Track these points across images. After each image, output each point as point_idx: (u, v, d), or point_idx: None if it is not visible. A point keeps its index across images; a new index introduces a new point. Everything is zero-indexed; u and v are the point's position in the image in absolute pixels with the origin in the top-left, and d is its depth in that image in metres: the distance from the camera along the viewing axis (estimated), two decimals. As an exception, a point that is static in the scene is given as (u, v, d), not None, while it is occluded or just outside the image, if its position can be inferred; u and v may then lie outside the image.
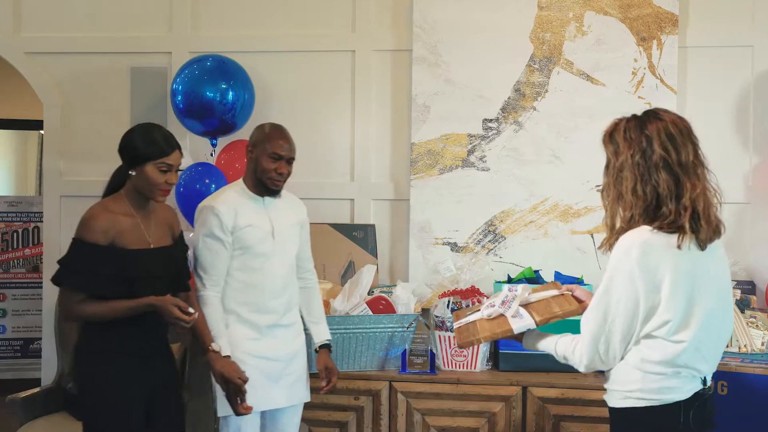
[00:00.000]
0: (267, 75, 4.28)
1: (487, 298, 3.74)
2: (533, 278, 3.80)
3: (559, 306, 2.49)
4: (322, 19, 4.34)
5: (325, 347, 3.37)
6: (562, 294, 2.57)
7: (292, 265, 3.31)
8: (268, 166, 3.15)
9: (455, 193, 4.15)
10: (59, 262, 2.87)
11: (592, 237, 4.06)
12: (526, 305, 2.57)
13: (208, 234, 3.11)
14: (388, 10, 4.28)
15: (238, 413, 3.03)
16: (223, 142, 4.13)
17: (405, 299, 3.78)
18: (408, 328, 3.72)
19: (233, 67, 4.04)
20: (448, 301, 3.75)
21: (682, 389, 2.18)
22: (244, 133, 4.12)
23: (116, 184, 2.96)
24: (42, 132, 5.14)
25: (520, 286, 2.63)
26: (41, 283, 4.59)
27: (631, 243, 2.15)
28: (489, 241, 4.12)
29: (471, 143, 4.14)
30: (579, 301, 2.51)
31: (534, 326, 2.45)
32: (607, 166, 2.31)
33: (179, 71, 4.00)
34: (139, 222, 2.92)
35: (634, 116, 2.28)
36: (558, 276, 3.81)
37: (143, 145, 2.86)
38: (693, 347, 2.16)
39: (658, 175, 2.16)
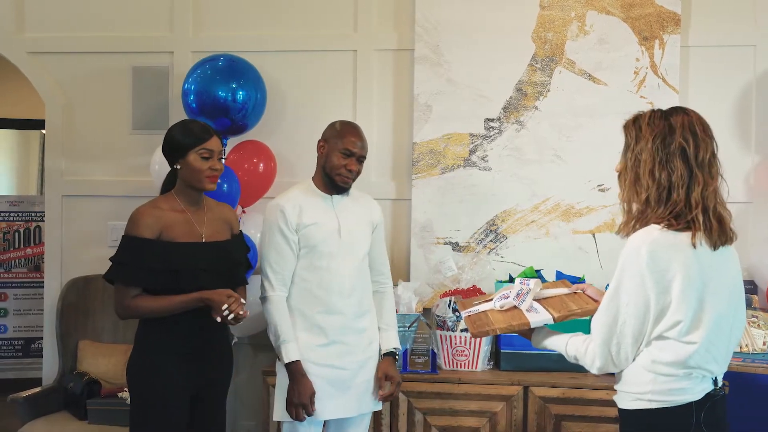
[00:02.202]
0: (268, 74, 4.27)
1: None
2: (535, 278, 3.79)
3: (576, 304, 2.47)
4: (324, 19, 4.34)
5: (390, 355, 3.23)
6: (575, 292, 2.57)
7: (362, 266, 3.19)
8: (338, 162, 3.10)
9: (457, 193, 4.15)
10: (111, 259, 2.93)
11: (594, 237, 4.06)
12: (539, 300, 2.56)
13: (273, 231, 3.07)
14: (390, 9, 4.28)
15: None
16: (232, 142, 4.13)
17: (406, 299, 3.78)
18: (409, 327, 3.71)
19: (246, 67, 4.03)
20: (450, 301, 3.75)
21: (693, 390, 2.17)
22: (254, 133, 4.15)
23: (169, 186, 3.05)
24: (44, 132, 5.14)
25: (532, 281, 2.61)
26: (42, 282, 4.59)
27: (640, 243, 2.14)
28: (490, 241, 4.12)
29: (473, 143, 4.14)
30: (593, 300, 2.51)
31: (551, 322, 2.44)
32: (626, 150, 2.31)
33: (191, 71, 3.98)
34: (189, 217, 2.97)
35: (660, 109, 2.30)
36: (560, 275, 3.81)
37: (182, 137, 2.96)
38: (704, 348, 2.15)
39: (674, 163, 2.17)
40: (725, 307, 2.20)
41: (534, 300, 2.55)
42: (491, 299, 2.65)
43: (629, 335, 2.18)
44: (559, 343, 2.40)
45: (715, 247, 2.18)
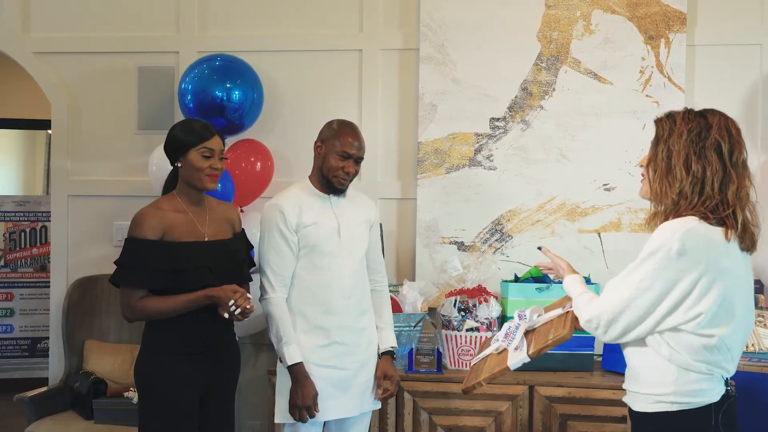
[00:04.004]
0: (274, 74, 4.29)
1: (495, 298, 3.77)
2: (540, 277, 3.79)
3: (554, 331, 2.46)
4: (330, 19, 4.34)
5: (389, 354, 3.24)
6: (566, 312, 2.53)
7: (361, 265, 3.19)
8: (335, 164, 3.08)
9: (462, 192, 4.14)
10: (115, 262, 2.93)
11: (600, 236, 4.06)
12: (531, 332, 2.55)
13: (273, 232, 3.05)
14: (395, 9, 4.29)
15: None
16: (230, 141, 4.13)
17: (412, 298, 3.78)
18: (415, 327, 3.72)
19: (242, 67, 4.04)
20: (455, 300, 3.75)
21: (713, 391, 2.16)
22: (253, 132, 4.16)
23: (171, 187, 3.05)
24: (50, 132, 5.15)
25: (528, 311, 2.58)
26: (48, 282, 4.59)
27: (675, 229, 2.12)
28: (496, 240, 4.12)
29: (478, 142, 4.14)
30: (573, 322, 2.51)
31: (528, 360, 2.44)
32: (656, 142, 2.28)
33: (188, 70, 4.00)
34: (191, 217, 2.97)
35: (693, 109, 2.30)
36: (565, 275, 3.80)
37: (183, 135, 2.96)
38: (726, 347, 2.14)
39: (709, 157, 2.17)
40: (746, 306, 2.19)
41: (529, 330, 2.54)
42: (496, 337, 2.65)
43: (631, 315, 2.15)
44: (575, 292, 2.42)
45: (743, 248, 2.19)
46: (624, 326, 2.19)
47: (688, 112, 2.27)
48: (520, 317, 2.60)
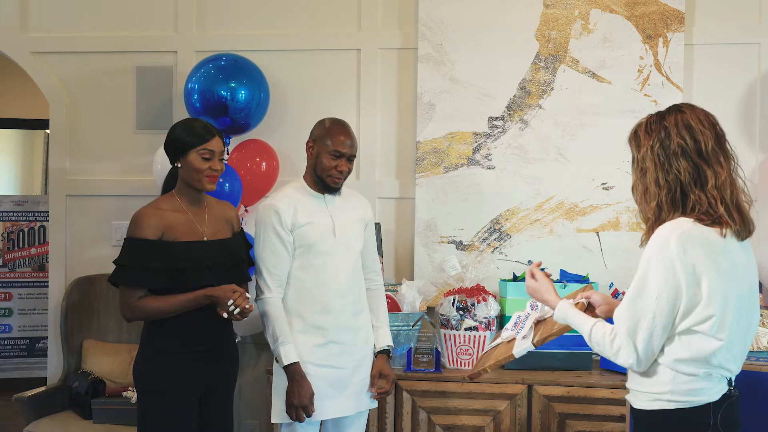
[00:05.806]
0: (275, 74, 4.28)
1: (494, 297, 3.77)
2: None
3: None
4: (328, 18, 4.34)
5: (384, 353, 3.24)
6: (577, 303, 2.54)
7: (357, 264, 3.19)
8: (328, 164, 3.07)
9: (461, 192, 4.14)
10: (114, 262, 2.93)
11: (598, 235, 4.06)
12: (542, 321, 2.56)
13: (268, 232, 3.05)
14: (394, 8, 4.28)
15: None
16: (235, 140, 4.13)
17: (410, 297, 3.78)
18: (413, 326, 3.72)
19: (248, 66, 4.04)
20: (454, 300, 3.75)
21: (712, 391, 2.15)
22: (257, 132, 4.17)
23: (170, 185, 3.05)
24: (48, 131, 5.15)
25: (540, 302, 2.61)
26: (47, 282, 4.59)
27: (669, 234, 2.11)
28: (494, 240, 4.12)
29: (476, 141, 4.14)
30: (593, 307, 2.50)
31: (532, 348, 2.44)
32: (633, 163, 2.30)
33: (194, 69, 3.99)
34: (190, 217, 2.97)
35: (658, 112, 2.29)
36: (564, 274, 3.81)
37: (184, 135, 2.96)
38: (726, 347, 2.12)
39: (678, 164, 2.16)
40: (746, 303, 2.18)
41: (538, 320, 2.55)
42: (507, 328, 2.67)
43: (659, 331, 2.12)
44: (583, 325, 2.29)
45: (741, 238, 2.18)
46: (655, 348, 2.15)
47: (648, 122, 2.26)
48: (531, 307, 2.61)
